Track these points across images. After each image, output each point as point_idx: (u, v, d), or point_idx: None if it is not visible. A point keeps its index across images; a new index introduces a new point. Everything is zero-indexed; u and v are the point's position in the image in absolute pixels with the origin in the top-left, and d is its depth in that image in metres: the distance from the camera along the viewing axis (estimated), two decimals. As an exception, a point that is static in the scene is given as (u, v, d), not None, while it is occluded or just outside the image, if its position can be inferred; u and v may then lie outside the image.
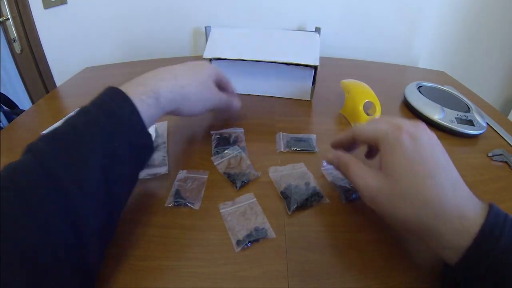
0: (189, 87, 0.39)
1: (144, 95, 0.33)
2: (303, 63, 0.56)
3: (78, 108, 0.30)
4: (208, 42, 0.61)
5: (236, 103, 0.49)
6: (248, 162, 0.43)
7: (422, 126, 0.30)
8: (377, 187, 0.28)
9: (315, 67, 0.57)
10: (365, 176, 0.30)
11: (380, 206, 0.28)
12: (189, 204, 0.36)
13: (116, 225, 0.30)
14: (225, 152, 0.44)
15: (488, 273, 0.23)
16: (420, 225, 0.26)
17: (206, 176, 0.41)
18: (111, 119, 0.29)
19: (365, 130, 0.32)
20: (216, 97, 0.44)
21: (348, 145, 0.37)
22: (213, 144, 0.47)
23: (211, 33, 0.62)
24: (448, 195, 0.25)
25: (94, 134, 0.28)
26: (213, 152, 0.45)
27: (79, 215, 0.24)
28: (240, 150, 0.44)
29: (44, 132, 0.29)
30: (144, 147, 0.33)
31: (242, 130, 0.50)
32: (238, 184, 0.39)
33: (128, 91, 0.32)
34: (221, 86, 0.47)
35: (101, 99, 0.31)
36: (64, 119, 0.30)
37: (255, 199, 0.37)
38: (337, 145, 0.38)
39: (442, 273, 0.28)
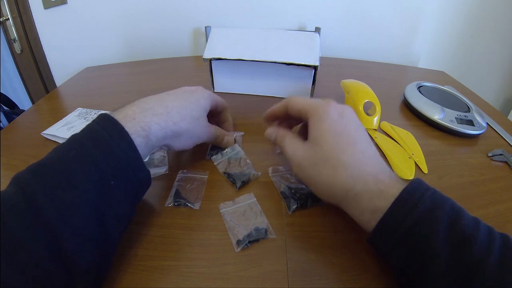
0: (182, 123, 0.35)
1: (134, 133, 0.29)
2: (303, 63, 0.56)
3: (70, 136, 0.28)
4: (208, 42, 0.61)
5: (226, 141, 0.44)
6: (248, 161, 0.43)
7: (350, 108, 0.33)
8: (303, 154, 0.31)
9: (315, 67, 0.57)
10: (295, 147, 0.33)
11: (305, 172, 0.31)
12: (189, 204, 0.36)
13: (110, 262, 0.28)
14: (225, 151, 0.44)
15: (404, 238, 0.25)
16: (340, 188, 0.29)
17: (206, 176, 0.41)
18: (106, 156, 0.27)
19: (298, 102, 0.34)
20: (207, 134, 0.40)
21: (280, 119, 0.39)
22: (209, 146, 0.46)
23: (211, 33, 0.62)
24: (367, 161, 0.29)
25: (88, 172, 0.25)
26: (207, 154, 0.45)
27: (69, 256, 0.23)
28: (239, 149, 0.44)
29: (34, 162, 0.26)
30: (142, 183, 0.31)
31: (242, 133, 0.49)
32: (238, 184, 0.39)
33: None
34: (217, 112, 0.45)
35: (95, 130, 0.28)
36: (54, 149, 0.27)
37: (255, 199, 0.37)
38: (270, 117, 0.39)
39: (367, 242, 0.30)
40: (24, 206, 0.23)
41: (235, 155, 0.44)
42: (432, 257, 0.23)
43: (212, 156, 0.44)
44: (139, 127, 0.30)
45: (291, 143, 0.34)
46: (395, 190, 0.26)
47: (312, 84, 0.61)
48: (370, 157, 0.30)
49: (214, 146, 0.46)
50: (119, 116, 0.30)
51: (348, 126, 0.30)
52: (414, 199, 0.25)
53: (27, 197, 0.23)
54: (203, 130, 0.39)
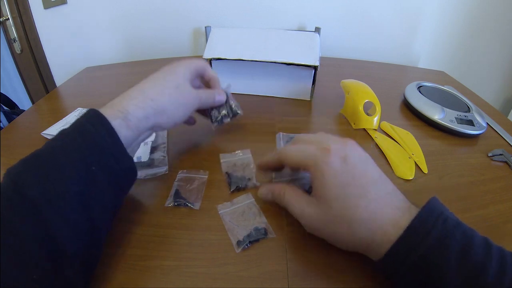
0: (161, 97, 0.34)
1: (111, 117, 0.30)
2: (303, 63, 0.56)
3: (60, 130, 0.29)
4: (208, 42, 0.61)
5: (219, 97, 0.43)
6: (253, 169, 0.42)
7: (350, 143, 0.30)
8: (313, 214, 0.29)
9: (315, 67, 0.57)
10: (301, 204, 0.30)
11: (320, 232, 0.29)
12: (189, 204, 0.36)
13: (100, 250, 0.28)
14: (236, 152, 0.45)
15: (415, 266, 0.24)
16: (360, 243, 0.27)
17: (206, 176, 0.41)
18: (86, 141, 0.27)
19: (293, 156, 0.32)
20: (195, 99, 0.39)
21: (276, 167, 0.36)
22: (209, 113, 0.46)
23: (211, 33, 0.62)
24: (383, 210, 0.26)
25: (70, 158, 0.26)
26: (211, 121, 0.46)
27: (56, 241, 0.23)
28: (249, 154, 0.44)
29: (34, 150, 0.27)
30: (125, 171, 0.31)
31: (230, 84, 0.48)
32: (233, 188, 0.39)
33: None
34: (205, 79, 0.43)
35: (79, 122, 0.29)
36: (46, 142, 0.28)
37: (253, 199, 0.37)
38: (263, 167, 0.37)
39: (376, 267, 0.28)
40: (14, 196, 0.23)
41: (244, 159, 0.44)
42: (443, 286, 0.23)
43: (212, 119, 0.45)
44: (116, 110, 0.31)
45: (294, 201, 0.31)
46: (408, 221, 0.25)
47: (312, 84, 0.61)
48: (386, 203, 0.27)
49: (211, 110, 0.46)
50: (102, 108, 0.31)
51: (354, 171, 0.28)
52: (427, 227, 0.24)
53: (18, 188, 0.24)
54: (187, 96, 0.37)
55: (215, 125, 0.46)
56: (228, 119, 0.46)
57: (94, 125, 0.29)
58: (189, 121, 0.46)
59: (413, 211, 0.26)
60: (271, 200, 0.35)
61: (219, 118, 0.45)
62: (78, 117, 0.30)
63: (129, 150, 0.31)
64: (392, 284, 0.27)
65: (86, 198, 0.26)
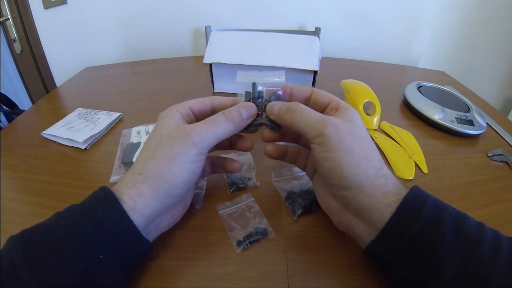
0: (147, 165, 0.27)
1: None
2: (302, 68, 0.56)
3: (68, 206, 0.26)
4: (208, 46, 0.61)
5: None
6: (254, 168, 0.42)
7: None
8: (337, 121, 0.27)
9: (315, 72, 0.57)
10: (317, 114, 0.28)
11: (340, 144, 0.26)
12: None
13: None
14: (236, 152, 0.44)
15: (409, 244, 0.23)
16: (373, 165, 0.26)
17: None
18: (95, 227, 0.24)
19: (324, 93, 0.31)
20: (185, 139, 0.27)
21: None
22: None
23: (211, 37, 0.62)
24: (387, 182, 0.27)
25: (75, 244, 0.23)
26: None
27: None
28: (250, 154, 0.44)
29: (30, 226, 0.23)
30: (141, 255, 0.28)
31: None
32: (232, 187, 0.39)
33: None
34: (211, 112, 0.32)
35: (88, 200, 0.26)
36: (54, 214, 0.25)
37: (252, 199, 0.37)
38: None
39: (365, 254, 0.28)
40: (9, 274, 0.21)
41: (244, 159, 0.44)
42: (440, 262, 0.22)
43: (262, 123, 0.32)
44: (116, 194, 0.26)
45: (309, 110, 0.28)
46: (399, 202, 0.25)
47: (312, 84, 0.61)
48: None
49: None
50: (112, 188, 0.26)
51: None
52: (419, 203, 0.24)
53: (12, 264, 0.21)
54: (174, 144, 0.27)
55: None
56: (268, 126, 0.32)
57: (104, 207, 0.25)
58: (217, 170, 0.36)
59: (400, 192, 0.26)
60: (275, 113, 0.30)
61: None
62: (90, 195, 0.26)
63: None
64: (384, 271, 0.27)
65: (88, 283, 0.22)
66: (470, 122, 0.52)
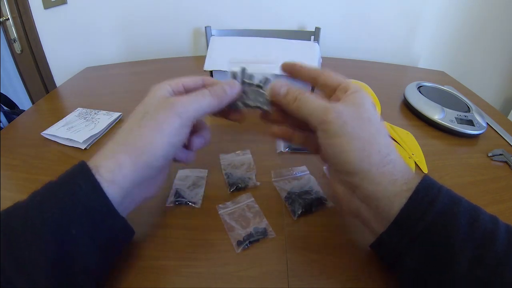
0: (127, 134, 0.28)
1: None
2: None
3: (47, 182, 0.25)
4: (208, 52, 0.61)
5: (229, 89, 0.31)
6: (254, 168, 0.42)
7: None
8: (342, 109, 0.26)
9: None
10: (323, 101, 0.27)
11: (345, 127, 0.25)
12: (190, 203, 0.36)
13: None
14: (236, 152, 0.44)
15: (422, 235, 0.23)
16: (379, 150, 0.25)
17: (206, 174, 0.41)
18: (69, 200, 0.23)
19: (333, 74, 0.30)
20: (171, 109, 0.27)
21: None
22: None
23: (211, 42, 0.62)
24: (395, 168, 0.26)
25: (48, 220, 0.22)
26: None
27: None
28: (250, 155, 0.44)
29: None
30: (116, 232, 0.26)
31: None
32: (232, 188, 0.39)
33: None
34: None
35: (64, 174, 0.25)
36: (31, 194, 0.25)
37: (252, 198, 0.37)
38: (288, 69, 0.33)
39: (372, 248, 0.28)
40: None
41: (244, 159, 0.44)
42: (453, 256, 0.21)
43: (245, 103, 0.32)
44: (92, 166, 0.25)
45: (314, 98, 0.28)
46: (411, 191, 0.24)
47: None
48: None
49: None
50: (89, 161, 0.26)
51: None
52: (432, 194, 0.23)
53: None
54: (158, 115, 0.27)
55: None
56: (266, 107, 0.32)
57: (77, 178, 0.24)
58: (199, 143, 0.33)
59: (410, 181, 0.25)
60: (281, 97, 0.29)
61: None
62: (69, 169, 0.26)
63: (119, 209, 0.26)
64: (392, 265, 0.27)
65: (61, 265, 0.22)
66: (470, 122, 0.52)
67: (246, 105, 0.32)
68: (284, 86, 0.29)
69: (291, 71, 0.32)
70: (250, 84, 0.32)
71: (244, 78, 0.32)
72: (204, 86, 0.32)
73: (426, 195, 0.23)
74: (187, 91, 0.31)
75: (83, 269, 0.23)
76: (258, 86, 0.32)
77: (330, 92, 0.30)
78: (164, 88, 0.29)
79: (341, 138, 0.25)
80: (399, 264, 0.25)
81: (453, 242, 0.22)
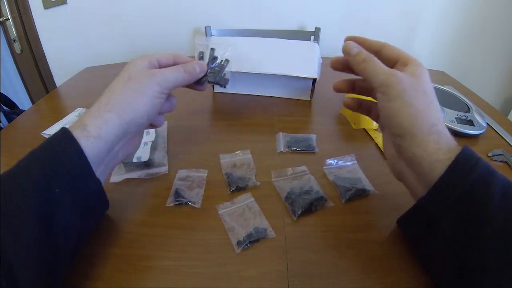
0: (113, 96, 0.32)
1: (78, 135, 0.28)
2: (302, 76, 0.56)
3: (30, 151, 0.27)
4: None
5: (196, 67, 0.36)
6: (254, 168, 0.42)
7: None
8: (403, 76, 0.28)
9: (314, 79, 0.58)
10: (385, 66, 0.30)
11: (404, 93, 0.28)
12: (190, 203, 0.36)
13: (61, 277, 0.27)
14: (236, 152, 0.45)
15: (460, 201, 0.24)
16: (428, 121, 0.28)
17: (206, 174, 0.41)
18: (51, 162, 0.26)
19: (396, 48, 0.32)
20: (152, 78, 0.32)
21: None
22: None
23: (210, 43, 0.63)
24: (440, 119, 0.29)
25: (32, 179, 0.25)
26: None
27: (11, 267, 0.22)
28: (250, 155, 0.45)
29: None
30: (92, 195, 0.29)
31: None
32: (232, 188, 0.39)
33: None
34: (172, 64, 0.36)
35: (48, 140, 0.28)
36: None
37: (252, 198, 0.37)
38: (337, 65, 0.38)
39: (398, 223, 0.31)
40: None
41: (244, 159, 0.44)
42: (487, 222, 0.23)
43: (208, 80, 0.39)
44: (78, 127, 0.28)
45: (377, 62, 0.30)
46: (453, 155, 0.26)
47: (312, 85, 0.61)
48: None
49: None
50: (70, 127, 0.29)
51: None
52: (471, 162, 0.25)
53: None
54: (141, 80, 0.32)
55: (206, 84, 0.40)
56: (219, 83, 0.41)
57: (61, 144, 0.27)
58: (168, 107, 0.38)
59: (452, 151, 0.27)
60: (351, 56, 0.32)
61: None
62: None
63: (101, 169, 0.30)
64: (425, 233, 0.28)
65: (47, 221, 0.24)
66: (470, 122, 0.52)
67: (208, 81, 0.39)
68: (356, 47, 0.32)
69: (356, 41, 0.35)
70: (213, 63, 0.41)
71: (210, 58, 0.41)
72: (175, 62, 0.37)
73: (465, 164, 0.25)
74: (161, 65, 0.35)
75: (62, 229, 0.25)
76: (220, 65, 0.41)
77: (391, 64, 0.31)
78: (143, 61, 0.34)
79: (398, 103, 0.28)
80: (433, 232, 0.27)
81: (487, 209, 0.23)
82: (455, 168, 0.25)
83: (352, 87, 0.37)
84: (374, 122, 0.52)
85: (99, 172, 0.29)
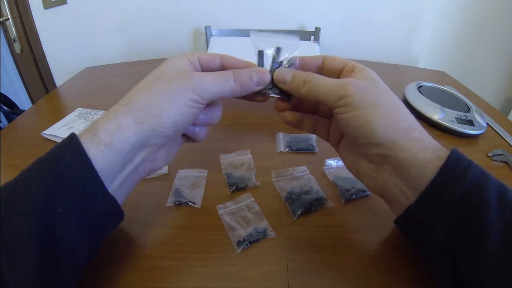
0: (135, 97, 0.27)
1: (87, 142, 0.23)
2: None
3: (34, 160, 0.24)
4: (208, 52, 0.61)
5: (257, 76, 0.28)
6: (254, 168, 0.42)
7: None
8: (360, 82, 0.26)
9: None
10: (332, 81, 0.26)
11: (366, 97, 0.25)
12: (190, 203, 0.36)
13: None
14: (236, 152, 0.45)
15: (453, 206, 0.22)
16: (404, 118, 0.26)
17: (206, 174, 0.41)
18: (56, 178, 0.22)
19: (337, 58, 0.29)
20: (188, 83, 0.26)
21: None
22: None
23: (211, 42, 0.63)
24: (410, 120, 0.26)
25: (30, 198, 0.21)
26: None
27: None
28: (250, 155, 0.44)
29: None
30: (105, 213, 0.24)
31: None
32: (232, 187, 0.39)
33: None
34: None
35: (53, 150, 0.24)
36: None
37: (253, 198, 0.37)
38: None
39: (396, 224, 0.28)
40: None
41: (244, 159, 0.44)
42: (484, 229, 0.21)
43: (271, 92, 0.30)
44: (89, 132, 0.24)
45: (323, 79, 0.27)
46: (442, 160, 0.24)
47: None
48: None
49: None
50: (82, 132, 0.24)
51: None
52: (464, 164, 0.23)
53: None
54: (174, 82, 0.26)
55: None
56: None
57: (66, 154, 0.22)
58: (209, 118, 0.31)
59: (440, 149, 0.25)
60: (287, 83, 0.28)
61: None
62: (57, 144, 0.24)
63: (116, 184, 0.25)
64: (419, 242, 0.26)
65: (49, 245, 0.21)
66: (470, 122, 0.52)
67: (268, 92, 0.29)
68: (289, 72, 0.28)
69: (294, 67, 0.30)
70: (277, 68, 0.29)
71: (276, 62, 0.29)
72: (221, 65, 0.29)
73: (457, 166, 0.23)
74: (204, 67, 0.29)
75: (67, 252, 0.22)
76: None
77: (335, 76, 0.29)
78: (181, 60, 0.27)
79: (365, 109, 0.25)
80: (427, 238, 0.25)
81: (484, 215, 0.22)
82: (446, 171, 0.23)
83: (297, 105, 0.32)
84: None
85: (113, 188, 0.25)
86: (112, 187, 0.24)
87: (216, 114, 0.31)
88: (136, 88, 0.27)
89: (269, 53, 0.29)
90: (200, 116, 0.29)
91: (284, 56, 0.29)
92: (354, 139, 0.27)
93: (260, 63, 0.29)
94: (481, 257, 0.21)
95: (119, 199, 0.25)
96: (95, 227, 0.24)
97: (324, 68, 0.30)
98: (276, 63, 0.29)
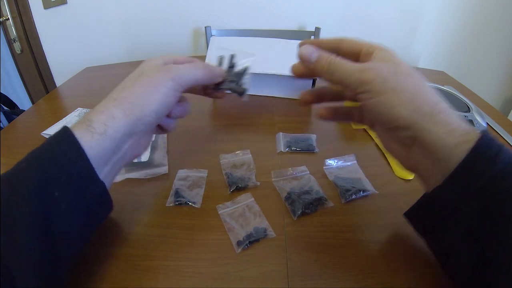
0: (122, 92, 0.30)
1: (81, 133, 0.26)
2: None
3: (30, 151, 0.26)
4: (208, 52, 0.61)
5: (215, 72, 0.34)
6: (254, 168, 0.42)
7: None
8: (380, 65, 0.25)
9: (314, 79, 0.58)
10: (355, 63, 0.27)
11: (386, 84, 0.25)
12: (190, 203, 0.36)
13: (62, 282, 0.25)
14: (236, 152, 0.45)
15: (482, 191, 0.22)
16: (428, 99, 0.25)
17: (206, 174, 0.41)
18: (51, 164, 0.24)
19: (355, 39, 0.29)
20: (167, 74, 0.30)
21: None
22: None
23: (211, 42, 0.63)
24: (438, 98, 0.25)
25: (29, 183, 0.23)
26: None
27: (11, 273, 0.21)
28: (250, 154, 0.45)
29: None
30: (96, 199, 0.27)
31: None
32: (232, 188, 0.39)
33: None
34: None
35: (48, 141, 0.26)
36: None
37: (253, 198, 0.37)
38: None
39: (406, 216, 0.29)
40: None
41: (244, 159, 0.44)
42: None
43: (225, 86, 0.36)
44: (83, 124, 0.27)
45: (342, 62, 0.27)
46: (473, 141, 0.23)
47: (312, 85, 0.61)
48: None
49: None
50: (74, 124, 0.27)
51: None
52: (495, 147, 0.22)
53: None
54: (155, 76, 0.30)
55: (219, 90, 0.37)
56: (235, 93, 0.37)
57: (61, 144, 0.25)
58: (180, 111, 0.35)
59: (469, 132, 0.24)
60: (312, 63, 0.28)
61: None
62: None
63: (107, 169, 0.28)
64: (438, 226, 0.25)
65: (46, 227, 0.23)
66: (470, 122, 0.52)
67: (224, 88, 0.36)
68: (315, 52, 0.28)
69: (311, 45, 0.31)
70: (231, 71, 0.37)
71: (229, 64, 0.38)
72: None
73: (488, 150, 0.22)
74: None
75: (63, 234, 0.24)
76: (239, 73, 0.37)
77: (354, 58, 0.28)
78: (158, 60, 0.32)
79: (386, 95, 0.25)
80: (449, 223, 0.24)
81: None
82: (476, 154, 0.22)
83: (321, 96, 0.34)
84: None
85: (104, 174, 0.27)
86: (102, 174, 0.27)
87: (185, 109, 0.36)
88: (123, 85, 0.31)
89: (226, 57, 0.38)
90: (173, 111, 0.33)
91: (239, 61, 0.38)
92: (381, 123, 0.28)
93: (218, 63, 0.38)
94: (509, 244, 0.21)
95: (107, 184, 0.28)
96: (87, 212, 0.26)
97: (342, 51, 0.29)
98: (230, 68, 0.38)
